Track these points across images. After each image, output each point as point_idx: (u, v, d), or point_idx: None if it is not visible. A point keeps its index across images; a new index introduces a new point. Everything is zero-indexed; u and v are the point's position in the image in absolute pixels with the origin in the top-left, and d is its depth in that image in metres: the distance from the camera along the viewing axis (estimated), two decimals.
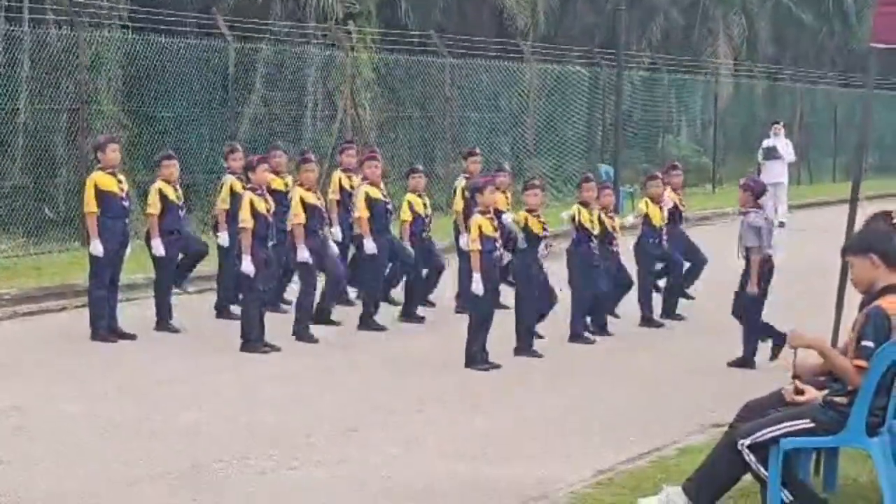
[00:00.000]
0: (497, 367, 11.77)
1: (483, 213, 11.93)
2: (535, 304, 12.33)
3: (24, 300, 14.44)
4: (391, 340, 13.12)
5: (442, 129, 25.62)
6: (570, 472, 8.36)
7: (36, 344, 12.70)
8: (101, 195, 12.60)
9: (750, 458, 6.76)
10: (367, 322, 13.46)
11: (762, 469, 6.76)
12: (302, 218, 12.87)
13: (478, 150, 15.83)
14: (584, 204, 13.16)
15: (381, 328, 13.44)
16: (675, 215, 14.66)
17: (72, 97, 18.69)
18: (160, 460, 8.54)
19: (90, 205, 12.61)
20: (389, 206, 13.89)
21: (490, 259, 11.85)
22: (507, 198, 14.39)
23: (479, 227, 11.81)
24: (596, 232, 13.10)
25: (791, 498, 6.77)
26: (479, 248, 11.78)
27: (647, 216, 14.24)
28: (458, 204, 14.79)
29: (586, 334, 13.07)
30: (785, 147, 26.16)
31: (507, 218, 12.82)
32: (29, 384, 10.85)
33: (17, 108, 18.56)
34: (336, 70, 23.65)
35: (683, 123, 34.63)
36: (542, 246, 12.35)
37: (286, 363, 11.90)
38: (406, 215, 13.87)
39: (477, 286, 11.74)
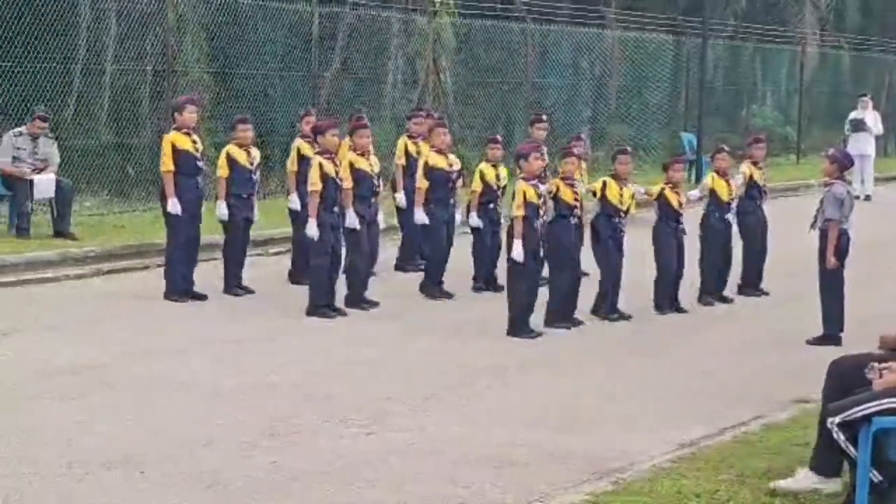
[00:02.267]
0: (540, 335, 11.62)
1: (527, 179, 11.67)
2: (567, 276, 12.02)
3: (108, 258, 14.53)
4: (458, 308, 12.95)
5: (521, 95, 25.35)
6: (652, 444, 8.19)
7: (117, 302, 12.74)
8: (177, 154, 12.63)
9: (839, 436, 6.55)
10: (427, 289, 13.31)
11: (851, 448, 6.54)
12: (350, 183, 12.62)
13: (545, 117, 15.30)
14: (616, 177, 12.69)
15: (445, 296, 13.28)
16: (753, 190, 14.22)
17: (157, 57, 18.69)
18: (236, 421, 8.49)
19: (167, 164, 12.66)
20: (453, 176, 13.61)
21: (532, 226, 11.59)
22: (580, 168, 14.03)
23: (524, 193, 11.56)
24: (624, 208, 12.58)
25: (881, 478, 6.54)
26: (524, 213, 11.54)
27: (713, 191, 13.82)
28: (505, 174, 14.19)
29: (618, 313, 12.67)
30: (873, 119, 25.63)
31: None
32: (109, 342, 10.87)
33: (104, 68, 18.60)
34: (417, 35, 23.46)
35: (768, 93, 34.08)
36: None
37: (355, 329, 11.80)
38: (476, 185, 13.56)
39: (518, 252, 11.52)
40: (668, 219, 13.07)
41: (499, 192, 13.59)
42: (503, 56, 25.30)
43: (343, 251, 12.45)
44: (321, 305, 12.16)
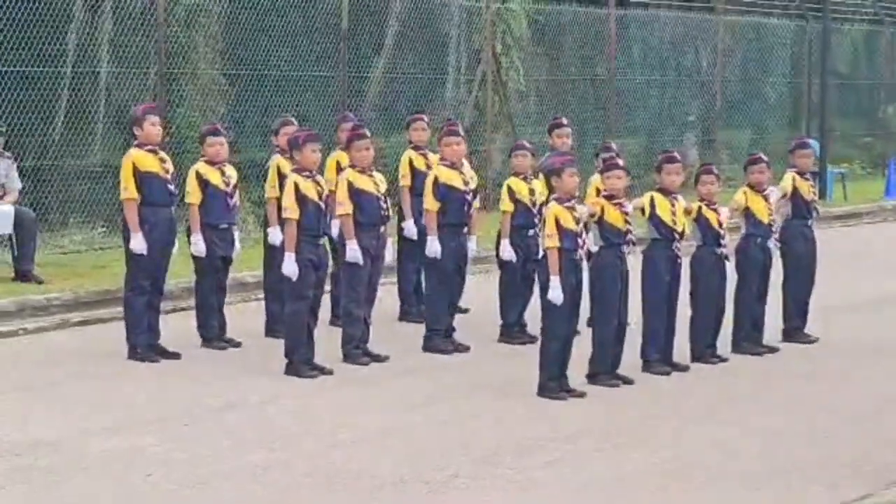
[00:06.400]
0: (581, 395, 11.37)
1: (560, 200, 11.33)
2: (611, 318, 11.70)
3: (78, 306, 14.36)
4: (479, 364, 12.68)
5: (609, 95, 25.07)
6: None
7: (81, 361, 12.58)
8: (142, 178, 12.37)
9: None
10: (434, 343, 12.95)
11: None
12: (349, 208, 12.32)
13: (566, 121, 14.70)
14: (664, 192, 12.29)
15: (460, 349, 12.97)
16: (800, 207, 13.60)
17: (162, 59, 18.60)
18: None
19: (129, 190, 12.38)
20: (469, 197, 13.15)
21: (571, 259, 11.27)
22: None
23: (557, 219, 11.23)
24: (679, 229, 12.19)
25: None
26: (559, 244, 11.21)
27: (747, 208, 13.10)
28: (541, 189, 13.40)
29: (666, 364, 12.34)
30: None
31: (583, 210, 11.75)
32: (66, 413, 10.72)
33: (98, 72, 18.57)
34: (482, 24, 23.29)
35: None
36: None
37: (356, 391, 11.60)
38: (506, 205, 13.24)
39: (555, 293, 11.18)
40: (710, 243, 12.65)
41: (535, 213, 13.19)
42: (587, 48, 25.11)
43: (327, 294, 12.21)
44: (300, 362, 11.92)
